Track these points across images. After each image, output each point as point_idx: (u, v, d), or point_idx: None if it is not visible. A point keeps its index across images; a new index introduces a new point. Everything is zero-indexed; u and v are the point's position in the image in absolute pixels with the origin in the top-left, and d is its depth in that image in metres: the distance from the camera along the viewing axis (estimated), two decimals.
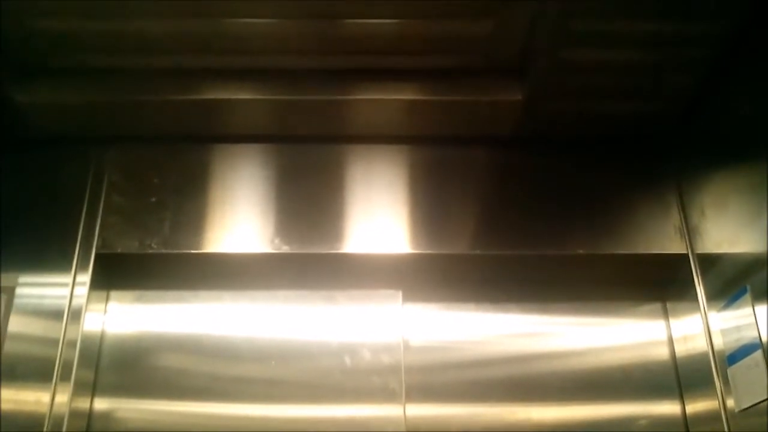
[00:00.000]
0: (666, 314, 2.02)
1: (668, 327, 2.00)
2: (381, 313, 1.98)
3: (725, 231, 1.73)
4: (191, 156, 2.02)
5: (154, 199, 1.96)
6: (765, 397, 1.52)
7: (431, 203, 1.96)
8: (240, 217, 1.94)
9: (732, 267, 1.70)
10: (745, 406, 1.61)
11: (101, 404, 1.87)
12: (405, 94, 1.89)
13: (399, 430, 1.83)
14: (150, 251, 1.89)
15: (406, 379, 1.89)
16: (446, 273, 1.99)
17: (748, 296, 1.60)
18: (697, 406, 1.85)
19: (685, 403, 1.90)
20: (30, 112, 1.91)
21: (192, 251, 1.90)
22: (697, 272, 1.86)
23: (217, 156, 2.02)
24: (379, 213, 1.95)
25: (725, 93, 1.75)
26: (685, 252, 1.90)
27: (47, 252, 1.88)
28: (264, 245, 1.91)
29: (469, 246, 1.92)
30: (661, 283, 2.00)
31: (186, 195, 1.96)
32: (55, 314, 1.80)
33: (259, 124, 1.99)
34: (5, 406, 1.69)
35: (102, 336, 1.94)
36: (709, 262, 1.82)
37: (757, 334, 1.55)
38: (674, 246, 1.91)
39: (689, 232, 1.91)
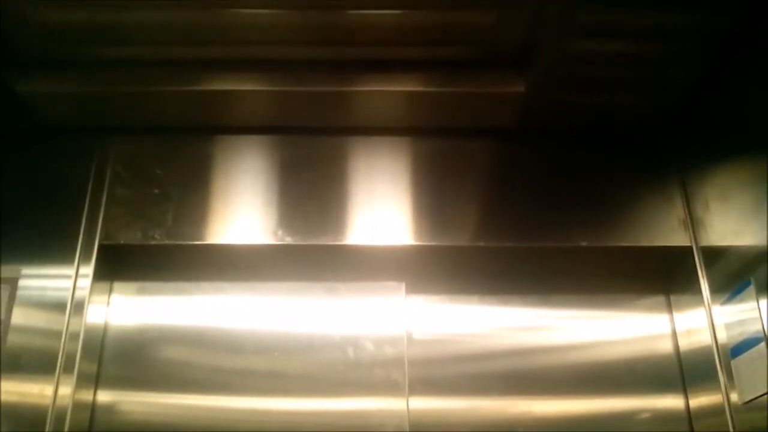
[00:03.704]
0: (669, 307, 2.02)
1: (672, 320, 2.00)
2: (384, 305, 1.98)
3: (729, 223, 1.73)
4: (194, 147, 2.02)
5: (157, 191, 1.95)
6: None
7: (434, 195, 1.96)
8: (243, 209, 1.94)
9: (736, 260, 1.69)
10: (749, 399, 1.60)
11: (104, 396, 1.87)
12: (407, 86, 1.88)
13: (402, 423, 1.83)
14: (153, 242, 1.89)
15: (410, 371, 1.90)
16: (449, 265, 1.99)
17: (751, 289, 1.59)
18: (700, 400, 1.85)
19: (689, 396, 1.90)
20: (32, 104, 1.91)
21: (195, 242, 1.90)
22: (701, 265, 1.85)
23: (219, 147, 2.02)
24: (381, 205, 1.95)
25: (729, 85, 1.73)
26: (689, 245, 1.89)
27: (50, 243, 1.87)
28: (267, 237, 1.90)
29: (472, 238, 1.91)
30: (664, 275, 1.99)
31: (189, 186, 1.96)
32: (58, 306, 1.80)
33: (261, 116, 1.99)
34: (8, 398, 1.69)
35: (105, 328, 1.94)
36: (713, 254, 1.81)
37: (761, 327, 1.55)
38: (678, 239, 1.90)
39: (693, 225, 1.90)
